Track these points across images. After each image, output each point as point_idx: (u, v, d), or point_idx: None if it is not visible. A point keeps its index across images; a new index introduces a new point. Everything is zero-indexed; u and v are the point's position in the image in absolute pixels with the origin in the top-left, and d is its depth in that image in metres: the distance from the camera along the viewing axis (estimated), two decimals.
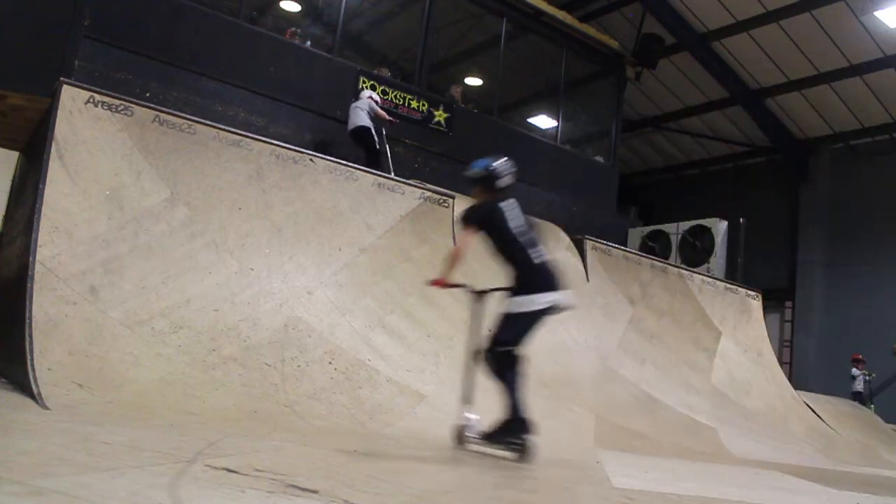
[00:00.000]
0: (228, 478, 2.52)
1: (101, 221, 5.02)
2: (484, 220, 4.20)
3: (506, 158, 4.49)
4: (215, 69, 8.51)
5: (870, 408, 12.40)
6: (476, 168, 4.42)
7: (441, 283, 4.24)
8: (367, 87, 9.55)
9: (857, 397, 12.47)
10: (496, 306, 4.20)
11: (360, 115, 8.62)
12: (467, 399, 4.18)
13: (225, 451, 3.12)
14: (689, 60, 14.54)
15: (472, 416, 4.13)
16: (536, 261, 4.09)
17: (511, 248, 4.14)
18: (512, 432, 3.97)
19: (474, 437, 4.12)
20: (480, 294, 4.35)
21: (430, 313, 6.41)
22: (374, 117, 8.68)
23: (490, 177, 4.36)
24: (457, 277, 4.26)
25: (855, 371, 12.77)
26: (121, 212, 5.14)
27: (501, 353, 4.01)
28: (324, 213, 6.34)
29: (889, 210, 14.31)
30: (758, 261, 14.65)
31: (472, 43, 13.18)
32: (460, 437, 4.20)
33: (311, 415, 4.73)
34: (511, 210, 4.26)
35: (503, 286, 4.20)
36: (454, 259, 4.17)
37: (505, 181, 4.38)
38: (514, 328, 4.03)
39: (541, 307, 4.03)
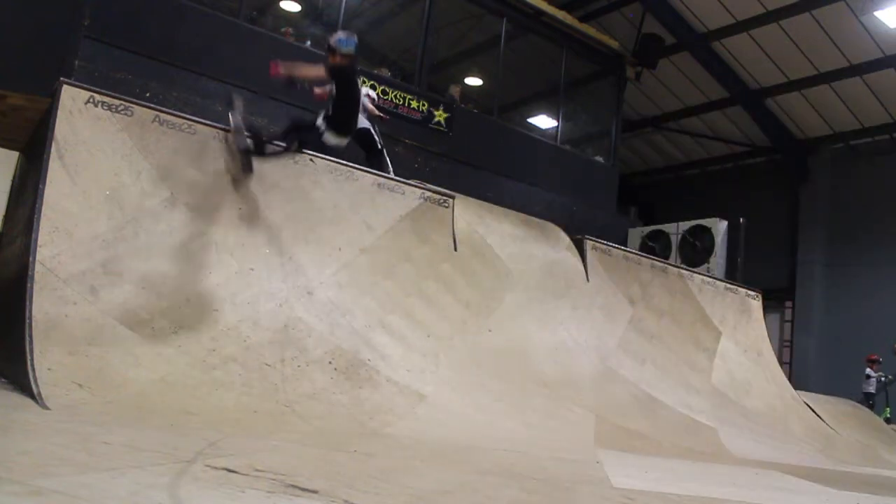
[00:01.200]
0: (228, 478, 2.52)
1: (101, 221, 5.02)
2: (348, 77, 5.55)
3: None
4: (215, 69, 8.51)
5: (885, 410, 12.28)
6: (352, 45, 5.50)
7: (278, 69, 5.49)
8: (365, 86, 9.52)
9: (869, 398, 12.33)
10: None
11: (359, 117, 8.57)
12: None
13: (225, 451, 3.12)
14: (689, 60, 14.53)
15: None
16: (357, 126, 5.76)
17: (350, 105, 5.65)
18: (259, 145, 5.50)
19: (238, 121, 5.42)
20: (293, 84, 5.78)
21: (430, 313, 6.41)
22: (370, 116, 8.62)
23: (356, 57, 5.61)
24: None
25: (869, 371, 12.59)
26: (121, 212, 5.14)
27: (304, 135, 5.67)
28: (324, 213, 6.33)
29: (889, 210, 14.30)
30: (758, 261, 14.64)
31: (472, 43, 13.17)
32: (230, 102, 5.57)
33: (311, 415, 4.73)
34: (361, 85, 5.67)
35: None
36: (309, 75, 5.66)
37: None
38: (316, 133, 5.70)
39: (329, 142, 5.69)
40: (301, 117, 5.65)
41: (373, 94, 8.96)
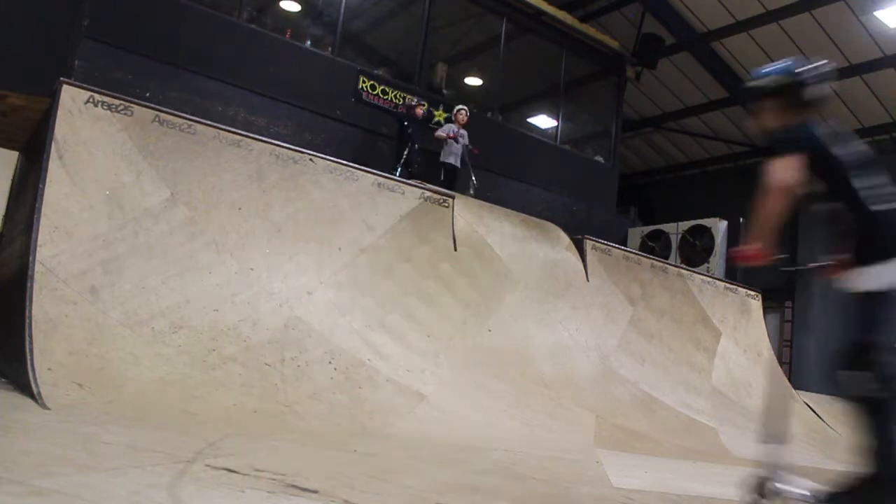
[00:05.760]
0: (228, 478, 2.52)
1: (101, 221, 5.01)
2: (811, 153, 2.70)
3: (818, 61, 2.97)
4: (215, 69, 8.50)
5: None
6: (772, 74, 2.97)
7: (754, 257, 2.80)
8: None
9: None
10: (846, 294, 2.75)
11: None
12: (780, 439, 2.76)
13: (225, 451, 3.12)
14: (689, 60, 14.52)
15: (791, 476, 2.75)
16: (875, 207, 2.64)
17: (842, 194, 2.74)
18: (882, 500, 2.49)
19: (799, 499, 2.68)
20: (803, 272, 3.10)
21: (430, 313, 6.41)
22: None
23: (796, 85, 2.88)
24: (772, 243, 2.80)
25: None
26: (121, 212, 5.14)
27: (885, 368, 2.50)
28: (324, 213, 6.33)
29: None
30: None
31: (472, 43, 13.17)
32: (762, 492, 2.72)
33: (311, 415, 4.73)
34: (833, 136, 2.81)
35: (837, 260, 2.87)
36: (773, 211, 2.71)
37: (818, 91, 2.90)
38: (882, 318, 2.56)
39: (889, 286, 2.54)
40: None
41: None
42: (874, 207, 2.64)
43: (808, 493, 2.66)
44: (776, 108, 2.92)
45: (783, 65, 2.96)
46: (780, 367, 9.10)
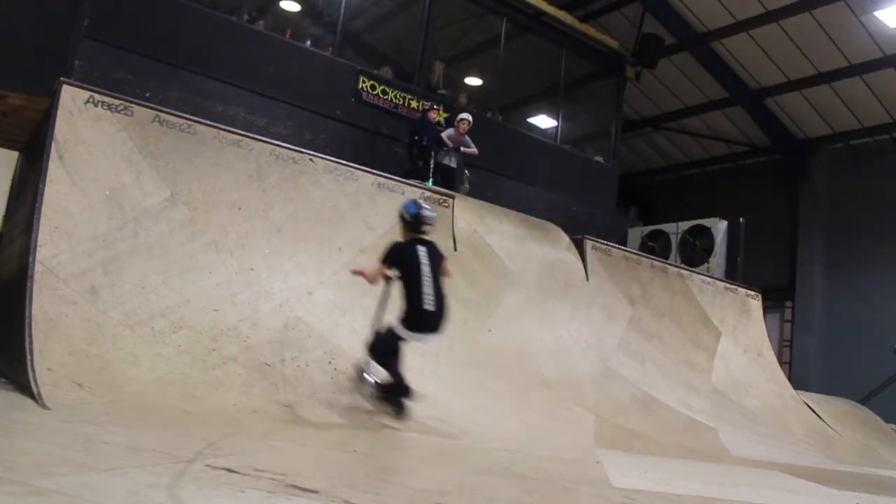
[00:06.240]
0: (228, 478, 2.53)
1: (101, 221, 5.02)
2: (399, 258, 4.92)
3: (430, 208, 5.31)
4: (215, 69, 8.50)
5: None
6: (406, 210, 5.07)
7: (361, 274, 4.99)
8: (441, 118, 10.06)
9: None
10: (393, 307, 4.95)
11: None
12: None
13: (225, 451, 3.12)
14: (689, 60, 14.52)
15: (372, 374, 4.95)
16: (425, 307, 4.78)
17: (410, 288, 4.84)
18: (395, 394, 4.84)
19: (370, 384, 4.89)
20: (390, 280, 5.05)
21: None
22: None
23: (416, 220, 5.00)
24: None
25: None
26: (121, 212, 5.14)
27: (375, 352, 4.94)
28: (324, 213, 6.34)
29: (889, 210, 14.29)
30: (758, 261, 14.63)
31: (471, 43, 13.17)
32: (360, 377, 4.94)
33: (311, 415, 4.73)
34: (423, 254, 4.93)
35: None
36: (370, 281, 4.96)
37: (426, 227, 5.05)
38: (387, 343, 4.88)
39: (411, 340, 4.92)
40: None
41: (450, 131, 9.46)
42: (424, 307, 4.76)
43: (375, 381, 4.89)
44: (403, 228, 5.05)
45: (408, 204, 5.11)
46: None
